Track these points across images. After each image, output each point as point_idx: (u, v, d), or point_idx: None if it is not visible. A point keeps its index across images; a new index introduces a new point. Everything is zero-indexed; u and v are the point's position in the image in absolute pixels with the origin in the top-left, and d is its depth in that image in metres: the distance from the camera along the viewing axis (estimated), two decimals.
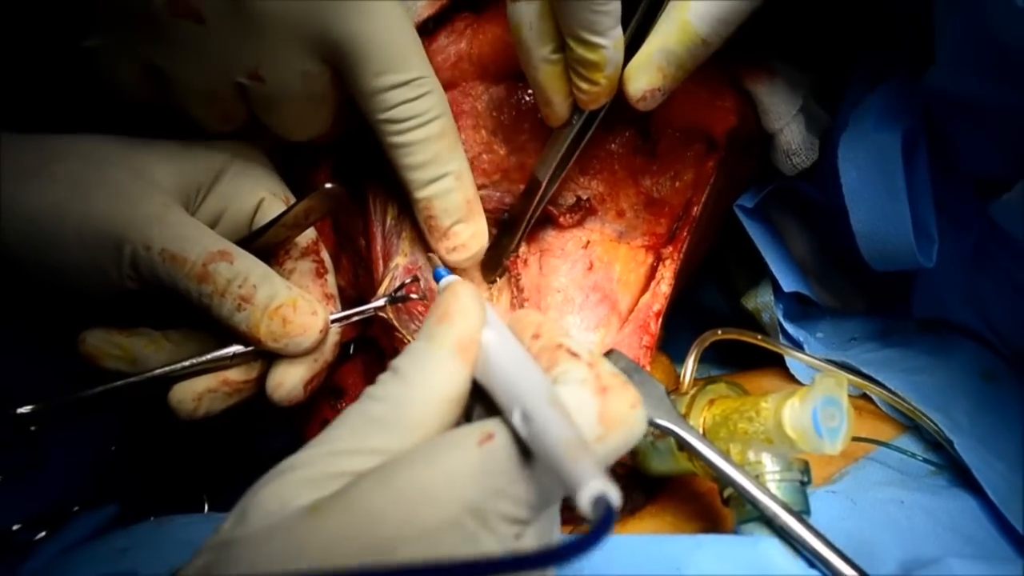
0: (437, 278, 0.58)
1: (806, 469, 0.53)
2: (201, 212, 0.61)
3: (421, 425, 0.39)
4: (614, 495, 0.32)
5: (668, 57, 0.55)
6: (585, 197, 0.68)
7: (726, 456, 0.51)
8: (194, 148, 0.61)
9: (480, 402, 0.41)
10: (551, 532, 0.41)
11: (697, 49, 0.55)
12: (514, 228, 0.66)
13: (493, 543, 0.35)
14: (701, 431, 0.55)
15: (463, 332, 0.41)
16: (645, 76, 0.56)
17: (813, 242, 0.78)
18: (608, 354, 0.55)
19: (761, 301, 0.74)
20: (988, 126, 0.60)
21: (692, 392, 0.57)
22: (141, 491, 0.73)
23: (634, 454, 0.60)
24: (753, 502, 0.50)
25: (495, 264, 0.67)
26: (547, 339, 0.42)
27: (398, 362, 0.41)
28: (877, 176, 0.62)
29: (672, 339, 0.81)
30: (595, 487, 0.32)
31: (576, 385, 0.38)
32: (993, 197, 0.59)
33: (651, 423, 0.52)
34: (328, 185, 0.56)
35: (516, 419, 0.36)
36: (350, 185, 0.72)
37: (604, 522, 0.31)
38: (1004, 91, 0.55)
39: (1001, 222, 0.58)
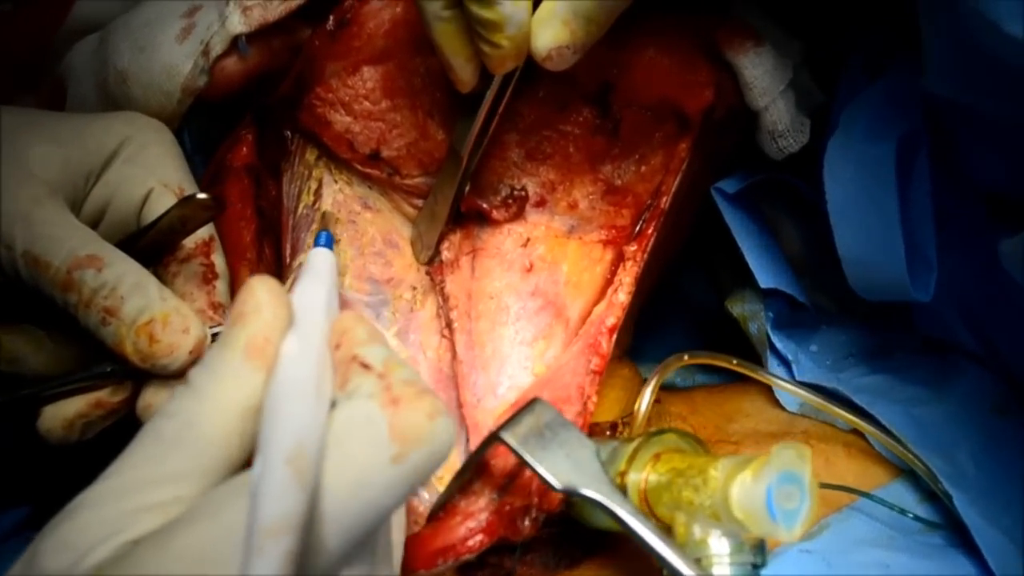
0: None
1: (760, 549, 0.44)
2: (88, 202, 0.54)
3: (218, 441, 0.35)
4: None
5: (574, 8, 0.47)
6: (520, 186, 0.59)
7: (662, 535, 0.43)
8: (89, 126, 0.54)
9: None
10: None
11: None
12: (439, 210, 0.58)
13: None
14: (642, 490, 0.46)
15: (253, 333, 0.36)
16: (549, 31, 0.48)
17: (809, 239, 0.66)
18: (531, 403, 0.47)
19: (748, 308, 0.64)
20: (990, 135, 0.52)
21: (636, 443, 0.48)
22: (52, 490, 0.67)
23: (571, 505, 0.51)
24: None
25: (425, 247, 0.59)
26: (344, 350, 0.38)
27: (192, 371, 0.37)
28: (865, 197, 0.53)
29: (655, 334, 0.72)
30: None
31: (364, 400, 0.34)
32: (1003, 214, 0.49)
33: (575, 493, 0.44)
34: (201, 195, 0.49)
35: (255, 467, 0.32)
36: (269, 166, 0.64)
37: None
38: (997, 104, 0.47)
39: (1007, 267, 0.48)
